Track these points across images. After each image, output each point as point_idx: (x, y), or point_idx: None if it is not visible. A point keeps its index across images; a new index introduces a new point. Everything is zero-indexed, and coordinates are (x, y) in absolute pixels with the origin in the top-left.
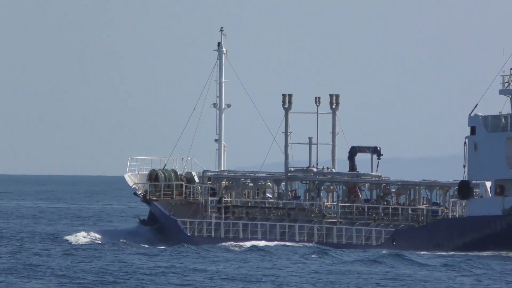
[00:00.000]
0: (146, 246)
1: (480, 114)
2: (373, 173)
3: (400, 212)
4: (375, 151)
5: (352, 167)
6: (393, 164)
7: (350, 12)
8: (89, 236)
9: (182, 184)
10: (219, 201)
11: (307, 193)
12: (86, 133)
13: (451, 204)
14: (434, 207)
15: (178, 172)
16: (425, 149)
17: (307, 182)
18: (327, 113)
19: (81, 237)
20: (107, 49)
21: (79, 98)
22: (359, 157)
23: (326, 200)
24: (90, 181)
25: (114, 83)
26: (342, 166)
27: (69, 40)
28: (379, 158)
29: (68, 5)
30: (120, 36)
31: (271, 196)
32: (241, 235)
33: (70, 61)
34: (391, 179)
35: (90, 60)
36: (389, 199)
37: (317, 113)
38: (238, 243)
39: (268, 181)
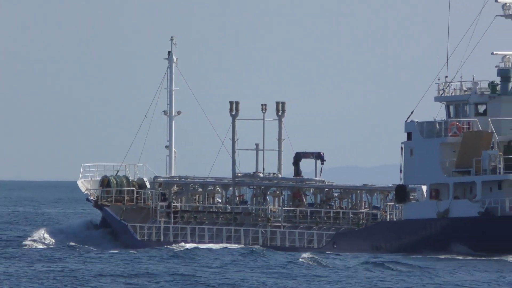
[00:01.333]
0: (94, 249)
1: (416, 120)
2: (317, 178)
3: (341, 215)
4: (319, 156)
5: (297, 172)
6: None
7: (294, 22)
8: (40, 240)
9: (133, 190)
10: (168, 206)
11: (254, 198)
12: (39, 139)
13: (389, 208)
14: (374, 211)
15: (130, 178)
16: (367, 157)
17: (254, 187)
18: (273, 119)
19: (31, 241)
20: (60, 55)
21: (31, 104)
22: (307, 162)
23: (272, 205)
24: (43, 185)
25: (68, 90)
26: (289, 171)
27: (20, 45)
28: (322, 164)
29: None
30: (72, 43)
31: (221, 200)
32: (189, 239)
33: (24, 65)
34: (334, 184)
35: (44, 66)
36: (332, 203)
37: (264, 120)
38: (178, 246)
39: (217, 186)
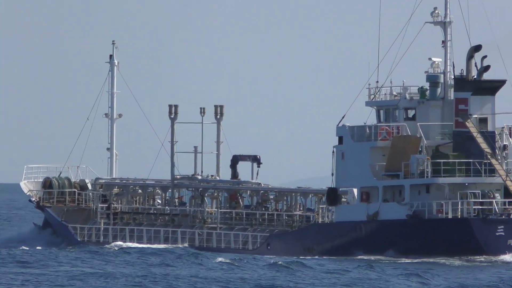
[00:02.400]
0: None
1: (347, 124)
2: (253, 181)
3: (276, 217)
4: (255, 159)
5: (234, 174)
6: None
7: (232, 26)
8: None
9: (75, 191)
10: (108, 208)
11: (193, 200)
12: None
13: (320, 210)
14: (308, 213)
15: (72, 180)
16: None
17: (192, 189)
18: (212, 123)
19: None
20: (4, 58)
21: None
22: (245, 165)
23: (210, 206)
24: None
25: (10, 92)
26: (227, 174)
27: None
28: (258, 166)
29: None
30: (13, 44)
31: (160, 202)
32: (127, 240)
33: None
34: (270, 186)
35: None
36: (268, 205)
37: (202, 123)
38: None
39: (156, 188)
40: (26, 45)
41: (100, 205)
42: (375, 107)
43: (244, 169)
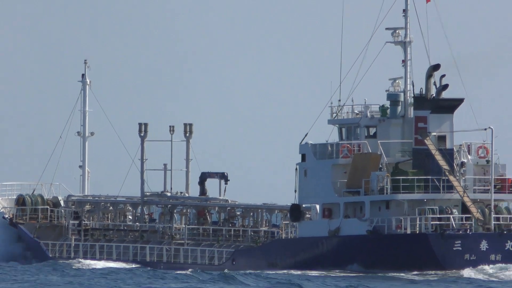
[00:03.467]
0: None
1: (310, 142)
2: (221, 197)
3: (241, 233)
4: (223, 176)
5: (203, 191)
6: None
7: (200, 49)
8: None
9: (47, 208)
10: (79, 224)
11: (162, 216)
12: None
13: (284, 226)
14: (273, 229)
15: (45, 197)
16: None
17: (162, 205)
18: (181, 141)
19: None
20: None
21: None
22: (213, 182)
23: (179, 223)
24: None
25: None
26: (197, 191)
27: None
28: (226, 183)
29: None
30: None
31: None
32: (97, 256)
33: None
34: (237, 202)
35: None
36: (235, 222)
37: (171, 141)
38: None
39: (127, 204)
40: (1, 64)
41: (71, 221)
42: (337, 125)
43: (212, 186)
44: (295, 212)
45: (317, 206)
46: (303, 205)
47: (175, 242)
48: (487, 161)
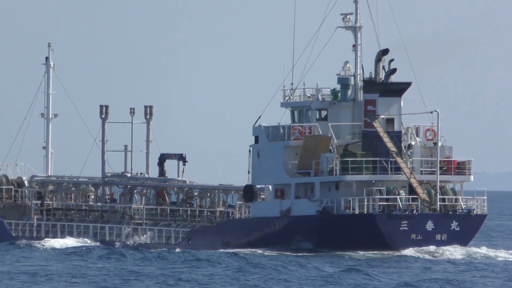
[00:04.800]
0: None
1: (263, 124)
2: (179, 178)
3: (197, 213)
4: (181, 158)
5: (162, 172)
6: None
7: (160, 30)
8: None
9: (11, 188)
10: (42, 204)
11: (122, 197)
12: None
13: (237, 207)
14: (229, 209)
15: (10, 177)
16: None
17: (122, 186)
18: (142, 122)
19: None
20: None
21: None
22: (173, 163)
23: (139, 203)
24: None
25: None
26: (157, 171)
27: None
28: (184, 164)
29: None
30: None
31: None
32: (59, 236)
33: None
34: (194, 183)
35: None
36: (192, 202)
37: (132, 122)
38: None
39: (89, 185)
40: None
41: (34, 201)
42: (290, 108)
43: (172, 167)
44: (248, 193)
45: (270, 187)
46: (256, 186)
47: (133, 222)
48: (435, 144)
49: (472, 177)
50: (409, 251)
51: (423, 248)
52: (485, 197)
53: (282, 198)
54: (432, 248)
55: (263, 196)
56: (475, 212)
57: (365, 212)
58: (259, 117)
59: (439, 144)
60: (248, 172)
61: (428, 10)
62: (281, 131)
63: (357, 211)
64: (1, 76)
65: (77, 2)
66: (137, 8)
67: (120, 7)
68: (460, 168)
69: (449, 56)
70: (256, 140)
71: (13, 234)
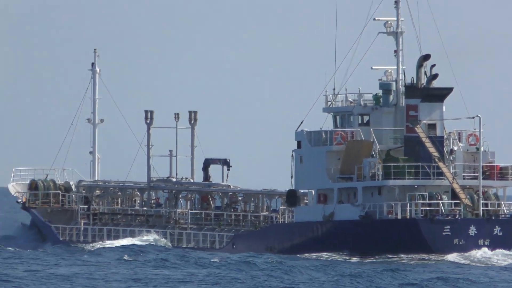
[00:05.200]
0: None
1: (305, 129)
2: (223, 183)
3: (241, 218)
4: (225, 162)
5: (206, 177)
6: None
7: (203, 41)
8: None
9: (59, 193)
10: (88, 209)
11: (167, 201)
12: None
13: (280, 211)
14: (272, 214)
15: (57, 182)
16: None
17: (168, 190)
18: (186, 128)
19: None
20: None
21: None
22: (218, 168)
23: (185, 207)
24: None
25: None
26: (202, 176)
27: None
28: (228, 169)
29: None
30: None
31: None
32: (105, 240)
33: None
34: (238, 188)
35: None
36: (237, 207)
37: (176, 128)
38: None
39: (135, 189)
40: (13, 52)
41: (81, 206)
42: (332, 113)
43: (217, 172)
44: (291, 198)
45: (313, 192)
46: (299, 191)
47: (178, 226)
48: (477, 149)
49: None
50: (452, 256)
51: (466, 253)
52: None
53: (325, 203)
54: (474, 253)
55: (307, 201)
56: None
57: (408, 217)
58: (301, 122)
59: (482, 149)
60: (291, 177)
61: (469, 14)
62: (323, 136)
63: (399, 216)
64: (49, 83)
65: (122, 10)
66: (181, 15)
67: (164, 14)
68: (503, 173)
69: (490, 59)
70: (299, 145)
71: (60, 238)
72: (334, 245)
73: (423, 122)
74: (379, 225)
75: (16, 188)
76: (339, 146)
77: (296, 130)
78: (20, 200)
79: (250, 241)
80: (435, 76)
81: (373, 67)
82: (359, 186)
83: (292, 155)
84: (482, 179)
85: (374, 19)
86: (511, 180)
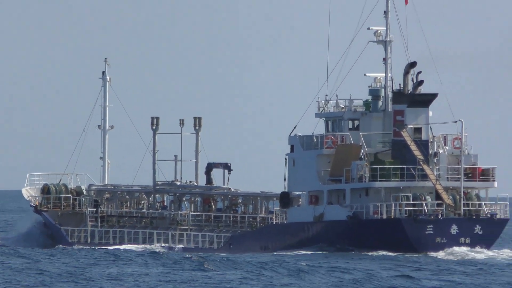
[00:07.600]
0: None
1: (298, 134)
2: (224, 186)
3: (239, 219)
4: (226, 166)
5: (209, 180)
6: None
7: (206, 49)
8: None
9: (70, 197)
10: (96, 211)
11: (172, 204)
12: None
13: (274, 212)
14: (270, 215)
15: (69, 186)
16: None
17: (172, 194)
18: (191, 133)
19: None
20: (3, 70)
21: None
22: (220, 171)
23: (189, 210)
24: None
25: (12, 105)
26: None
27: None
28: (229, 173)
29: None
30: (14, 59)
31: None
32: (111, 241)
33: None
34: (238, 191)
35: None
36: (237, 209)
37: (181, 133)
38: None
39: (142, 193)
40: (27, 60)
41: (89, 209)
42: (324, 118)
43: (219, 175)
44: (284, 199)
45: (304, 194)
46: (292, 193)
47: (180, 228)
48: (461, 152)
49: (496, 184)
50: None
51: (448, 250)
52: (507, 203)
53: (316, 204)
54: (456, 250)
55: (301, 202)
56: (497, 216)
57: (392, 217)
58: (294, 127)
59: (465, 152)
60: (284, 179)
61: (455, 23)
62: (315, 140)
63: (385, 216)
64: (61, 91)
65: (131, 21)
66: (186, 24)
67: (170, 26)
68: (485, 175)
69: (476, 67)
70: (292, 149)
71: (69, 240)
72: (324, 244)
73: (409, 126)
74: (366, 225)
75: (29, 192)
76: (330, 149)
77: (290, 134)
78: (32, 204)
79: (246, 241)
80: (420, 83)
81: (366, 74)
82: (347, 187)
83: (286, 159)
84: (465, 180)
85: (368, 28)
86: (492, 181)
